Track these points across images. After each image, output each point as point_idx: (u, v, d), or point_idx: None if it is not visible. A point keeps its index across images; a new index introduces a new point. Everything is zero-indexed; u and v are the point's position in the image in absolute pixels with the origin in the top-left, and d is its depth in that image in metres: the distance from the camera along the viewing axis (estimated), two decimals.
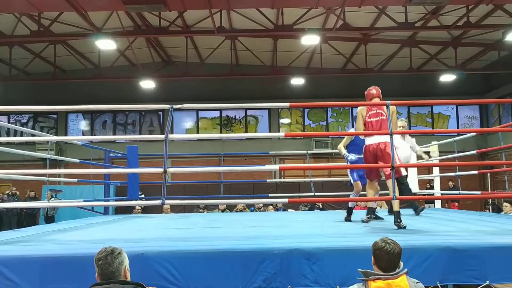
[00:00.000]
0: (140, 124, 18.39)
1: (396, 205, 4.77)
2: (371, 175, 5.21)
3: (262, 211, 11.25)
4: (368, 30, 13.54)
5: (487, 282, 3.44)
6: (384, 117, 4.93)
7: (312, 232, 4.97)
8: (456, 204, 12.00)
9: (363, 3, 10.26)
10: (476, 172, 8.40)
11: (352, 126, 16.39)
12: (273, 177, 17.25)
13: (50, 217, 13.19)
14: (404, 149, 6.63)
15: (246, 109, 18.17)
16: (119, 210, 12.28)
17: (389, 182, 4.73)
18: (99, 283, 2.42)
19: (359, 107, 5.23)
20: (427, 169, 11.68)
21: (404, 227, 4.59)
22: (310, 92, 16.71)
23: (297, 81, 16.06)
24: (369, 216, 5.34)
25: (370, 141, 4.99)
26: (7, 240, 4.35)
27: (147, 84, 16.04)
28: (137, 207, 10.89)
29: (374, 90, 5.20)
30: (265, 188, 14.59)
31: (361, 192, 5.97)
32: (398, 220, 4.63)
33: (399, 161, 5.10)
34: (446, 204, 12.39)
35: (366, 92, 5.24)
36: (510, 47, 14.25)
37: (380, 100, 5.15)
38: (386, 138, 4.74)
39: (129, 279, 2.51)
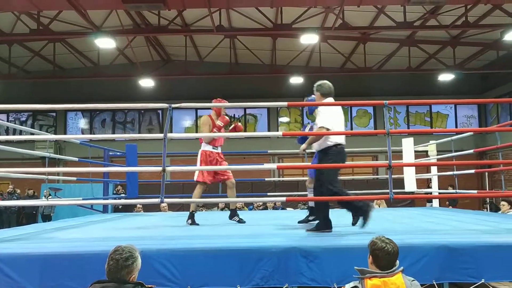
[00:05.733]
0: (139, 123, 18.40)
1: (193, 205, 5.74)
2: None
3: (261, 209, 11.27)
4: (367, 29, 13.55)
5: (483, 281, 3.47)
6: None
7: None
8: (451, 207, 12.02)
9: (362, 2, 10.28)
10: (473, 171, 8.41)
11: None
12: (272, 175, 17.28)
13: (46, 216, 13.17)
14: None
15: (245, 108, 18.20)
16: (118, 208, 12.28)
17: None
18: (100, 281, 2.47)
19: None
20: (425, 168, 11.70)
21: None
22: (309, 91, 16.61)
23: (296, 80, 16.07)
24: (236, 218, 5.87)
25: None
26: (7, 237, 4.38)
27: (146, 83, 16.04)
28: (139, 206, 10.94)
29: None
30: (263, 187, 14.58)
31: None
32: (189, 221, 5.57)
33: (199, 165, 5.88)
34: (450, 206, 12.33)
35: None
36: (509, 46, 14.28)
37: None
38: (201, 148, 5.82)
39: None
